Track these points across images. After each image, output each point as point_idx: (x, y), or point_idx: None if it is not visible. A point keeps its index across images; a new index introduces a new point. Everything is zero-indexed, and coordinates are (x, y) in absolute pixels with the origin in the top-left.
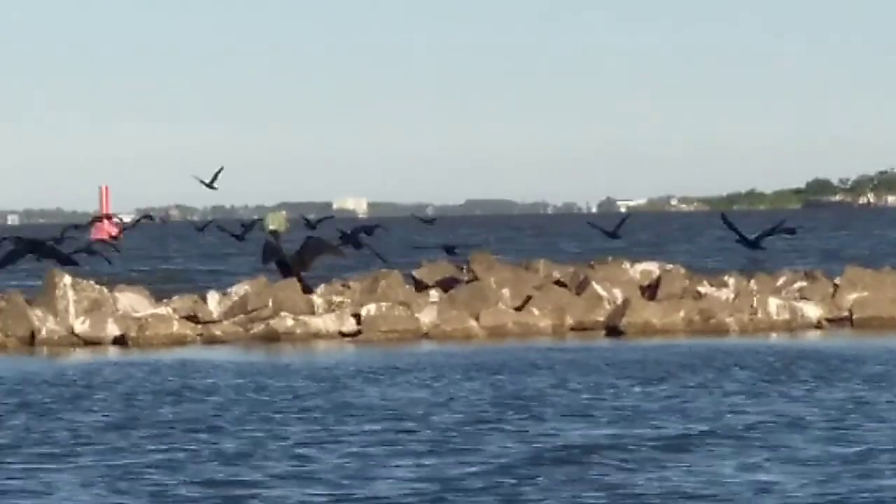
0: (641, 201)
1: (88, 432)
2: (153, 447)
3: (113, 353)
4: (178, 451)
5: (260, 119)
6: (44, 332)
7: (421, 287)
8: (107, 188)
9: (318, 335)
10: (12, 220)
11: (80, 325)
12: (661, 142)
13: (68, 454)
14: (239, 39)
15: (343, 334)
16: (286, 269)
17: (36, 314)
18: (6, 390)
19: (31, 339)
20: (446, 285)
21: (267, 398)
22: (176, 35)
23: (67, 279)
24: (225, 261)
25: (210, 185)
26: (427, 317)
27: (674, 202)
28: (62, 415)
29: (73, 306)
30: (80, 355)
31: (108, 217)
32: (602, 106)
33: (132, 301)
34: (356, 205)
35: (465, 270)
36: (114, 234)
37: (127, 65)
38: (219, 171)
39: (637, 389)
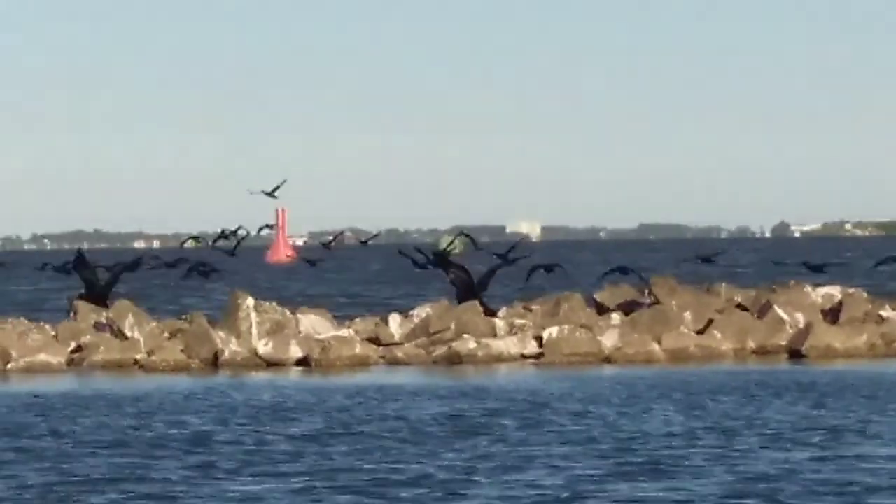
0: (816, 226)
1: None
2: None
3: (295, 374)
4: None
5: (436, 141)
6: (227, 354)
7: (602, 310)
8: (283, 210)
9: (499, 358)
10: (190, 243)
11: (264, 347)
12: (835, 166)
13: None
14: (423, 61)
15: (525, 357)
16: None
17: (219, 336)
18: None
19: (215, 361)
20: (628, 308)
21: (470, 419)
22: (363, 54)
23: (250, 301)
24: (399, 285)
25: (271, 195)
26: (609, 340)
27: (848, 227)
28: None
29: (255, 328)
30: (265, 375)
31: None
32: (777, 129)
33: (314, 323)
34: (529, 228)
35: (646, 294)
36: (290, 254)
37: (298, 85)
38: (281, 183)
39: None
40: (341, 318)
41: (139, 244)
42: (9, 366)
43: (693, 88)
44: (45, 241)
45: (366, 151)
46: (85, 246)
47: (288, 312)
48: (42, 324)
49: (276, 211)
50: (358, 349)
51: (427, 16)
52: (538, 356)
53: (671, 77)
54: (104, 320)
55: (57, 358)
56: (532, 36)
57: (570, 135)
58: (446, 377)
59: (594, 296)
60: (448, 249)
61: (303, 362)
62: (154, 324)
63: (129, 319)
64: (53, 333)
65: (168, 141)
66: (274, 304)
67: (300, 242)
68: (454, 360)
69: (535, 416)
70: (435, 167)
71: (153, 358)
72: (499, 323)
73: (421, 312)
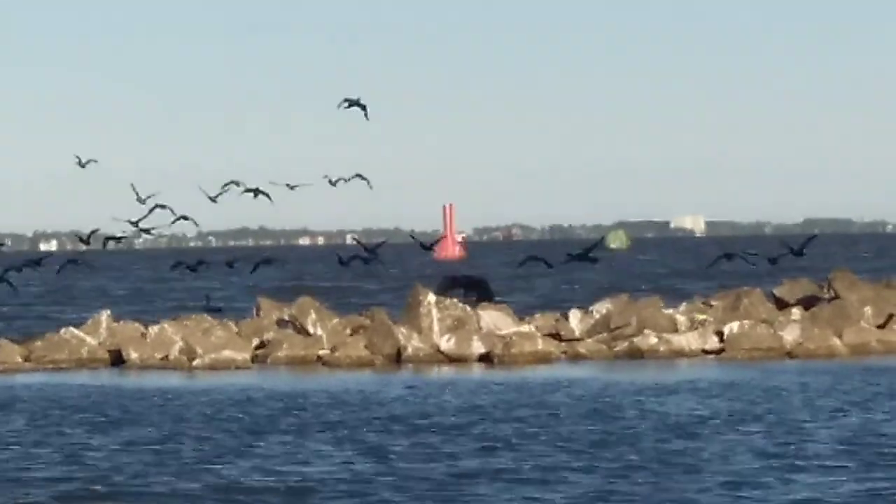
0: None
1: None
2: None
3: (478, 370)
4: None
5: (600, 136)
6: (409, 350)
7: (782, 305)
8: (451, 206)
9: (680, 353)
10: (351, 238)
11: (446, 343)
12: None
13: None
14: (584, 56)
15: (706, 352)
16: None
17: (401, 332)
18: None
19: (397, 357)
20: (807, 303)
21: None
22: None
23: (432, 297)
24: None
25: (213, 199)
26: (790, 335)
27: None
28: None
29: (437, 324)
30: (447, 371)
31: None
32: None
33: (495, 319)
34: (693, 223)
35: (825, 289)
36: (458, 252)
37: (468, 85)
38: (227, 185)
39: None
40: (521, 315)
41: (304, 241)
42: (194, 362)
43: (852, 79)
44: (210, 238)
45: (530, 148)
46: (250, 243)
47: (469, 309)
48: (226, 321)
49: (444, 207)
50: (540, 345)
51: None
52: (719, 351)
53: (834, 68)
54: (287, 317)
55: (241, 354)
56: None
57: (732, 129)
58: (650, 373)
59: (773, 291)
60: (616, 247)
61: (485, 358)
62: (336, 320)
63: (312, 316)
64: (236, 330)
65: (326, 140)
66: (455, 300)
67: (459, 238)
68: (636, 355)
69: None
70: (599, 163)
71: (336, 354)
72: (679, 318)
73: (601, 308)
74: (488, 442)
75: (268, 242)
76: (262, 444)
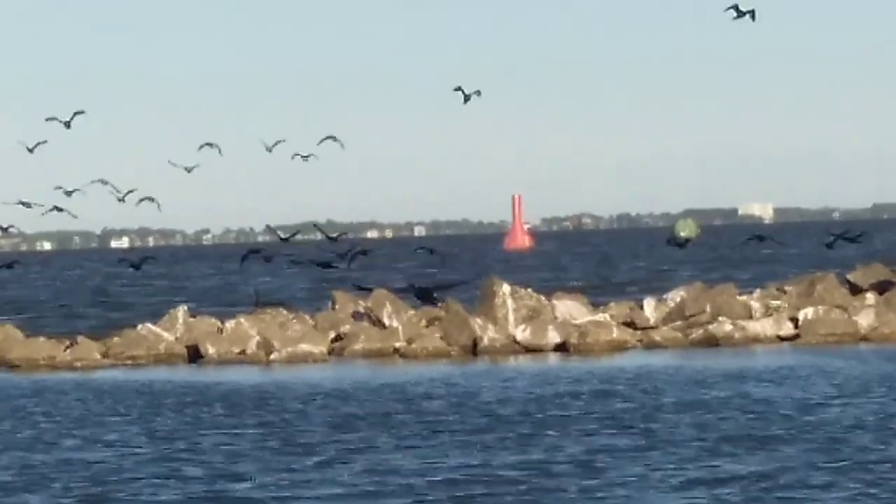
0: None
1: None
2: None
3: (554, 359)
4: None
5: (667, 125)
6: (485, 341)
7: (856, 290)
8: (519, 197)
9: (756, 339)
10: (419, 231)
11: (522, 333)
12: None
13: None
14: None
15: (781, 338)
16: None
17: (477, 323)
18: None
19: (474, 348)
20: (882, 288)
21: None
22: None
23: (506, 288)
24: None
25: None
26: (865, 320)
27: None
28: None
29: (512, 314)
30: (526, 360)
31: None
32: None
33: (570, 308)
34: (762, 210)
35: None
36: (527, 241)
37: (536, 75)
38: (78, 112)
39: None
40: (595, 303)
41: (372, 234)
42: (272, 356)
43: None
44: (279, 232)
45: (596, 137)
46: (318, 237)
47: (543, 298)
48: (301, 314)
49: (512, 197)
50: (615, 333)
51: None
52: (794, 337)
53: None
54: (362, 310)
55: (318, 347)
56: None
57: (800, 115)
58: (739, 360)
59: (847, 276)
60: (687, 236)
61: (561, 347)
62: (412, 312)
63: (388, 308)
64: (313, 323)
65: (389, 136)
66: (529, 290)
67: (526, 227)
68: (711, 342)
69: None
70: (666, 151)
71: (413, 346)
72: (754, 304)
73: (675, 296)
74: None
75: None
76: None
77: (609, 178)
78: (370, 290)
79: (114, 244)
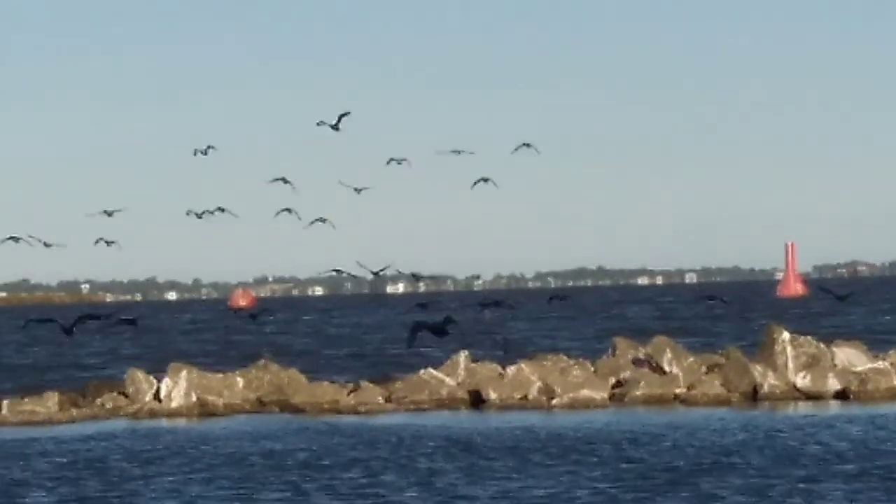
0: None
1: None
2: None
3: (835, 406)
4: None
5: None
6: (766, 387)
7: None
8: (793, 245)
9: None
10: (690, 277)
11: (801, 380)
12: None
13: None
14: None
15: None
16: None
17: (757, 369)
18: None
19: (754, 394)
20: None
21: None
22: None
23: (786, 335)
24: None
25: (335, 127)
26: None
27: None
28: None
29: (791, 361)
30: (806, 408)
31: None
32: None
33: (849, 355)
34: None
35: None
36: (800, 289)
37: (808, 123)
38: (343, 115)
39: None
40: (874, 351)
41: (643, 280)
42: (553, 401)
43: None
44: (550, 279)
45: (868, 184)
46: (588, 283)
47: (822, 345)
48: (582, 360)
49: (786, 245)
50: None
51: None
52: None
53: None
54: (642, 356)
55: (599, 393)
56: None
57: None
58: None
59: None
60: None
61: (841, 395)
62: (692, 358)
63: (668, 354)
64: (593, 369)
65: (661, 183)
66: (809, 337)
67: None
68: None
69: None
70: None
71: (693, 392)
72: None
73: None
74: None
75: (606, 282)
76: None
77: (883, 225)
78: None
79: (389, 290)
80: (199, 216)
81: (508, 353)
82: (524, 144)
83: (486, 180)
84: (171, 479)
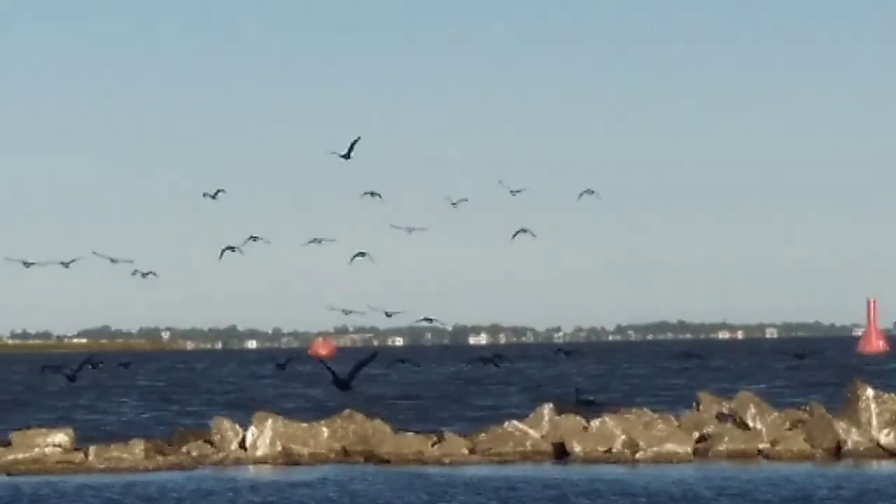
0: None
1: None
2: None
3: None
4: None
5: None
6: (849, 444)
7: None
8: (875, 301)
9: None
10: (770, 333)
11: (885, 437)
12: None
13: None
14: None
15: None
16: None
17: (840, 426)
18: None
19: (837, 451)
20: None
21: None
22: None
23: (870, 392)
24: None
25: (346, 156)
26: None
27: None
28: None
29: (875, 419)
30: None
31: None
32: None
33: None
34: None
35: None
36: (882, 345)
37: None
38: (355, 141)
39: None
40: None
41: (723, 334)
42: (637, 455)
43: None
44: (630, 332)
45: None
46: (669, 336)
47: None
48: (666, 414)
49: (867, 301)
50: None
51: None
52: None
53: None
54: (726, 411)
55: (683, 447)
56: None
57: None
58: None
59: None
60: None
61: None
62: (776, 414)
63: (752, 410)
64: (677, 424)
65: (743, 236)
66: (892, 394)
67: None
68: None
69: None
70: None
71: (777, 448)
72: None
73: None
74: None
75: (686, 336)
76: None
77: None
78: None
79: (472, 341)
80: (232, 249)
81: (582, 404)
82: (587, 191)
83: (524, 231)
84: None
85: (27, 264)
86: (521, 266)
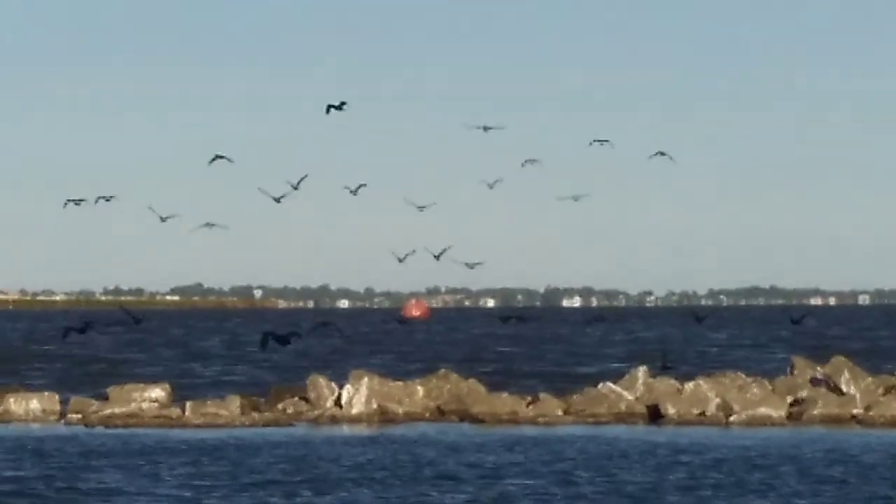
0: None
1: None
2: None
3: None
4: None
5: None
6: None
7: None
8: None
9: None
10: (863, 299)
11: None
12: None
13: None
14: None
15: None
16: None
17: None
18: None
19: None
20: None
21: None
22: None
23: None
24: None
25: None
26: None
27: None
28: None
29: None
30: None
31: None
32: None
33: None
34: None
35: None
36: None
37: None
38: (302, 178)
39: None
40: None
41: (816, 301)
42: (731, 418)
43: None
44: (722, 296)
45: None
46: (762, 302)
47: None
48: (760, 378)
49: None
50: None
51: None
52: None
53: None
54: (820, 376)
55: (777, 411)
56: None
57: None
58: None
59: None
60: None
61: None
62: (870, 379)
63: (846, 375)
64: (771, 388)
65: (839, 204)
66: None
67: None
68: None
69: None
70: None
71: (871, 413)
72: None
73: None
74: None
75: (779, 301)
76: None
77: None
78: None
79: (565, 303)
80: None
81: (667, 366)
82: (658, 153)
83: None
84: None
85: (163, 219)
86: (615, 229)
